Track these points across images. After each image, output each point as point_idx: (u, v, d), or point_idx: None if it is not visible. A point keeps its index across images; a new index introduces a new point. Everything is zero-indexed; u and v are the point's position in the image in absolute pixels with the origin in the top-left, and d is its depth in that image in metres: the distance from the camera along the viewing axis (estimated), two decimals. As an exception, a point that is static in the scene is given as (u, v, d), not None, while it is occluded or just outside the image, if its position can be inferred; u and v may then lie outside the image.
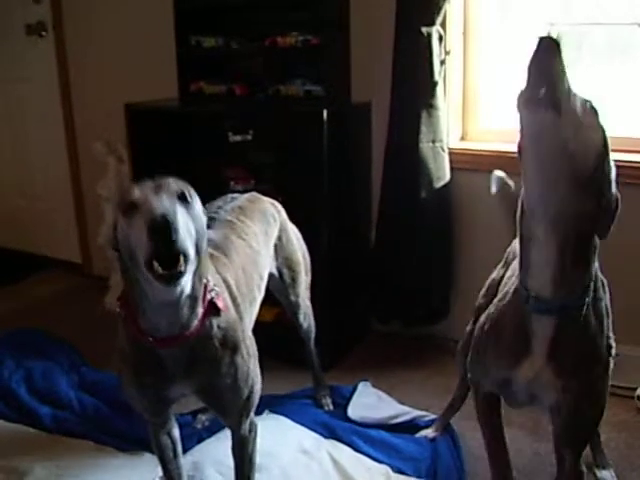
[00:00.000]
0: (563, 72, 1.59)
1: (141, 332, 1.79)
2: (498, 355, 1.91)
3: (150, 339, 1.79)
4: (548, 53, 1.57)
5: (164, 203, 1.57)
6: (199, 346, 1.86)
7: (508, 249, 2.37)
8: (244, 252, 2.29)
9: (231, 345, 1.94)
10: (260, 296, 2.41)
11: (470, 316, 2.48)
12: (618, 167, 1.70)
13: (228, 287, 2.04)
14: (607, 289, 1.89)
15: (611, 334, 1.88)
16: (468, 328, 2.54)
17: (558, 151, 1.59)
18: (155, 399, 1.99)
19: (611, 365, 1.87)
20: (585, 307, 1.74)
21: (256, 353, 2.10)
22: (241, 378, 1.98)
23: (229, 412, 2.08)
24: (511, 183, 2.51)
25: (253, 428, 2.15)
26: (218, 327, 1.89)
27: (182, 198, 1.66)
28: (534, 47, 1.57)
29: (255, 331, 2.23)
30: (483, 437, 2.18)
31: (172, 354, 1.84)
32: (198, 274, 1.75)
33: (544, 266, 1.68)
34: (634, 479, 2.63)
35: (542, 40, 1.57)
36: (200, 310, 1.81)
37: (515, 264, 2.02)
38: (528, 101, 1.60)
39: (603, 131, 1.65)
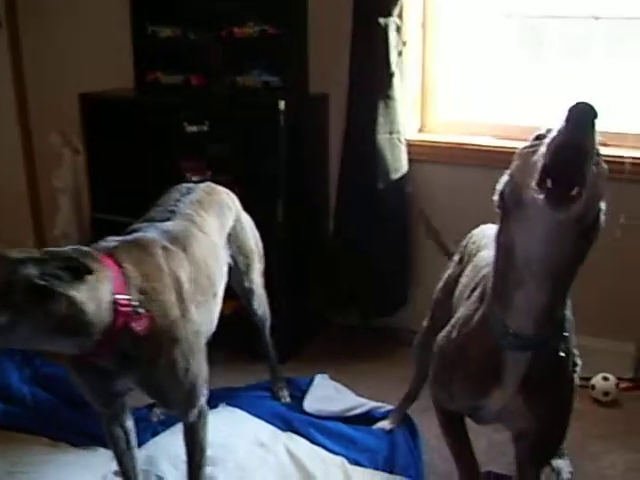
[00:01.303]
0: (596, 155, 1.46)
1: None
2: (465, 386, 1.85)
3: None
4: (585, 141, 1.39)
5: None
6: (130, 346, 1.85)
7: (463, 242, 2.37)
8: (205, 246, 2.29)
9: (168, 342, 1.93)
10: (222, 288, 2.41)
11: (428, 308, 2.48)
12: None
13: (179, 287, 2.03)
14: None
15: (576, 350, 1.88)
16: (425, 324, 2.54)
17: (570, 225, 1.49)
18: (102, 392, 1.99)
19: (576, 382, 1.87)
20: (561, 339, 1.73)
21: (202, 347, 2.10)
22: (180, 373, 1.98)
23: (172, 405, 2.11)
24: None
25: (202, 415, 2.15)
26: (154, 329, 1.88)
27: None
28: (565, 127, 1.39)
29: None
30: (447, 444, 2.12)
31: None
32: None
33: (530, 309, 1.62)
34: (589, 468, 2.67)
35: (578, 118, 1.38)
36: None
37: (475, 269, 2.03)
38: (555, 200, 1.42)
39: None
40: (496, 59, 3.47)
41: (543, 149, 1.44)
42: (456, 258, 2.39)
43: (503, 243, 1.64)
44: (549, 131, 1.48)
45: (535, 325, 1.64)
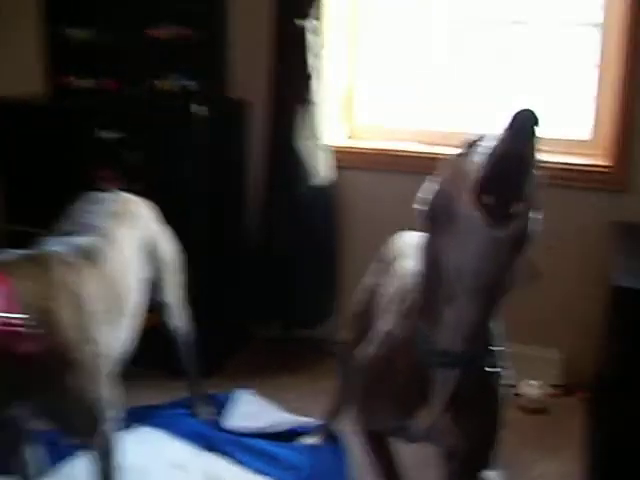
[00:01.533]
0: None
1: None
2: (390, 406, 1.75)
3: None
4: (527, 150, 1.33)
5: None
6: (15, 370, 1.72)
7: (383, 250, 2.28)
8: (117, 261, 2.17)
9: (61, 366, 1.82)
10: (137, 306, 2.29)
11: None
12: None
13: (79, 305, 1.90)
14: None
15: (504, 361, 1.77)
16: (347, 336, 2.46)
17: (507, 240, 1.42)
18: None
19: (505, 396, 1.78)
20: (488, 354, 1.66)
21: (104, 370, 1.98)
22: (77, 399, 1.87)
23: (71, 432, 1.98)
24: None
25: (106, 442, 2.02)
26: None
27: None
28: (507, 135, 1.32)
29: None
30: (372, 466, 2.00)
31: None
32: None
33: (460, 324, 1.55)
34: (521, 478, 2.63)
35: (521, 126, 1.32)
36: None
37: (400, 279, 1.92)
38: (494, 217, 1.35)
39: None
40: (420, 64, 3.44)
41: (478, 159, 1.36)
42: (375, 266, 2.30)
43: (432, 256, 1.55)
44: (481, 138, 1.40)
45: (464, 341, 1.57)
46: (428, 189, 1.55)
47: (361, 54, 3.43)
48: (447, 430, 1.70)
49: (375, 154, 3.36)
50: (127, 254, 2.25)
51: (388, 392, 1.73)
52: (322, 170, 3.28)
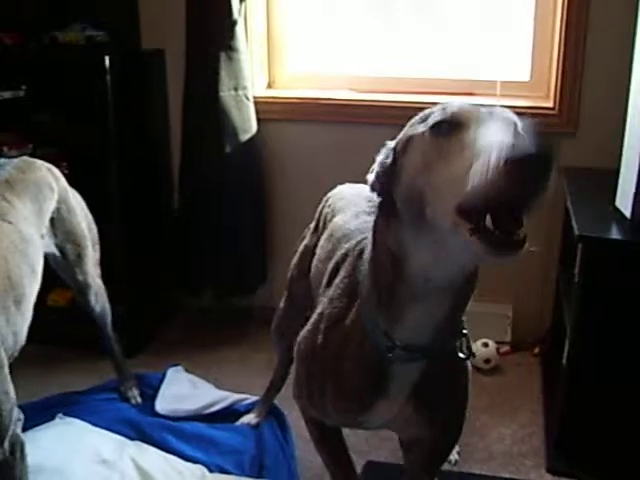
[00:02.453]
0: None
1: None
2: (341, 402, 1.51)
3: None
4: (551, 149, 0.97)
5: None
6: None
7: (319, 208, 2.04)
8: (9, 239, 1.91)
9: None
10: (33, 289, 2.02)
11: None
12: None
13: None
14: None
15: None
16: (282, 305, 2.26)
17: None
18: None
19: (470, 373, 1.56)
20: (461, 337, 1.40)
21: (4, 361, 1.73)
22: None
23: None
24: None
25: (17, 448, 1.78)
26: None
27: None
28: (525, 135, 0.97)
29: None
30: (322, 459, 1.79)
31: None
32: None
33: (428, 322, 1.30)
34: (477, 444, 2.51)
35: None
36: None
37: (332, 240, 1.70)
38: (500, 246, 1.03)
39: None
40: (346, 7, 3.22)
41: (469, 153, 1.02)
42: (312, 226, 2.06)
43: (386, 248, 1.27)
44: (445, 110, 1.12)
45: (432, 335, 1.31)
46: (384, 163, 1.24)
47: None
48: (410, 421, 1.48)
49: (303, 103, 3.12)
50: (22, 230, 1.97)
51: (337, 387, 1.48)
52: (247, 124, 3.03)
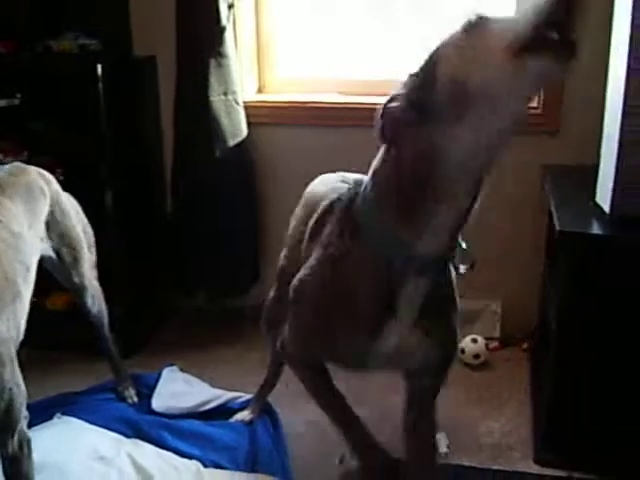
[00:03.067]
0: None
1: None
2: (350, 332, 1.58)
3: None
4: None
5: None
6: None
7: (308, 189, 2.05)
8: (0, 238, 1.94)
9: None
10: (28, 288, 2.05)
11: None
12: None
13: None
14: None
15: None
16: (272, 294, 2.30)
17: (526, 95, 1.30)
18: None
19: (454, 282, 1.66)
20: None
21: (13, 358, 1.77)
22: None
23: None
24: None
25: (24, 444, 1.83)
26: None
27: None
28: None
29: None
30: (321, 406, 1.83)
31: None
32: None
33: (451, 225, 1.41)
34: (467, 437, 2.55)
35: None
36: None
37: (308, 207, 1.82)
38: (565, 48, 1.20)
39: None
40: (335, 11, 3.26)
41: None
42: (298, 209, 2.08)
43: (416, 158, 1.36)
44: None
45: (449, 242, 1.44)
46: (414, 81, 1.38)
47: (277, 2, 3.23)
48: (418, 345, 1.57)
49: (292, 107, 3.17)
50: (14, 231, 2.02)
51: (346, 318, 1.57)
52: (237, 128, 3.08)
